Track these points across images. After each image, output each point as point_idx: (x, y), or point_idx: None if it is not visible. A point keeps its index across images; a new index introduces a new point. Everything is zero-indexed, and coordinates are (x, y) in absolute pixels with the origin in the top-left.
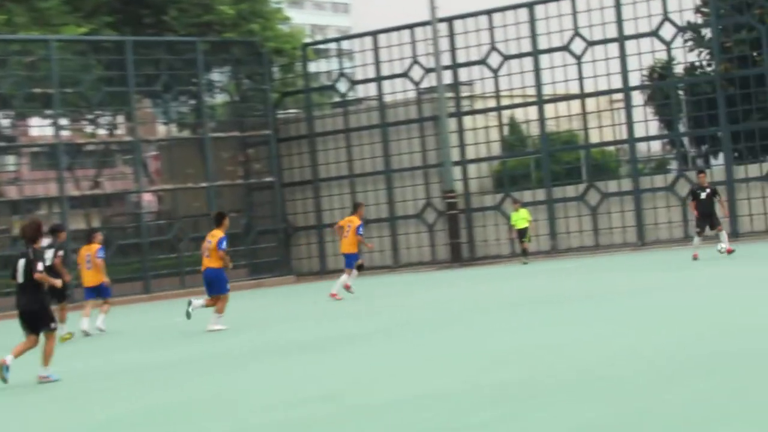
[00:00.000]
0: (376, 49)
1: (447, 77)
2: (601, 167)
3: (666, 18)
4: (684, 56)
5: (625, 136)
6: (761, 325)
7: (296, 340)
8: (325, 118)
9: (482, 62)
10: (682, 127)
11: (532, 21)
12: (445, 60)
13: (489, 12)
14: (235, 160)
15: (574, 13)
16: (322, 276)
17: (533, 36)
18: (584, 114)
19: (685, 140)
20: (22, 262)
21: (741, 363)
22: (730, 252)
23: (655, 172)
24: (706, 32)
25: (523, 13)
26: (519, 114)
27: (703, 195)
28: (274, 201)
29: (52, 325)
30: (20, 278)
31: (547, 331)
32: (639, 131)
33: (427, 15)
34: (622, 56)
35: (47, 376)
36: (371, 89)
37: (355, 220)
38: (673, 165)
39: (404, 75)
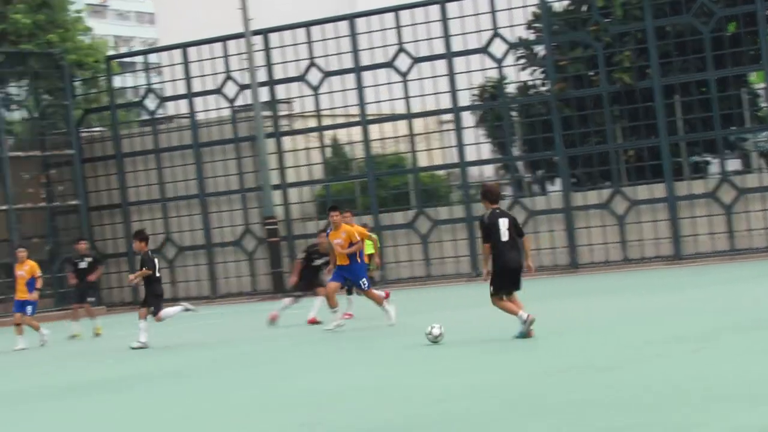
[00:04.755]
0: (186, 63)
1: (263, 94)
2: (431, 192)
3: (496, 34)
4: (516, 75)
5: (455, 159)
6: None
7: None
8: (133, 138)
9: (301, 79)
10: (516, 151)
11: (354, 35)
12: (261, 76)
13: (307, 25)
14: (36, 181)
15: (398, 27)
16: (134, 307)
17: (355, 51)
18: (412, 135)
19: (520, 165)
20: (504, 222)
21: None
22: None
23: None
24: (539, 49)
25: (343, 26)
26: (342, 135)
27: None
28: (79, 226)
29: None
30: (504, 236)
31: (341, 373)
32: (470, 154)
33: (241, 27)
34: (451, 74)
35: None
36: (182, 106)
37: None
38: (508, 191)
39: (217, 91)
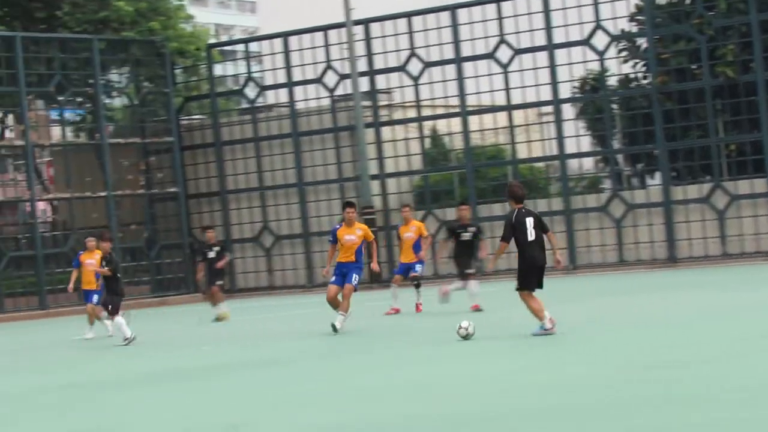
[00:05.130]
0: (286, 52)
1: (363, 84)
2: (530, 185)
3: (598, 26)
4: (618, 67)
5: (555, 151)
6: None
7: (200, 364)
8: (232, 126)
9: (402, 69)
10: (616, 144)
11: (455, 26)
12: (362, 66)
13: (408, 15)
14: (135, 168)
15: (500, 18)
16: (231, 294)
17: (456, 42)
18: (511, 127)
19: (620, 158)
20: (530, 221)
21: None
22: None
23: (587, 191)
24: (642, 42)
25: (445, 17)
26: (441, 125)
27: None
28: (178, 213)
29: None
30: (531, 236)
31: (444, 364)
32: (570, 147)
33: (342, 17)
34: (552, 66)
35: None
36: (282, 95)
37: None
38: (607, 184)
39: (317, 81)
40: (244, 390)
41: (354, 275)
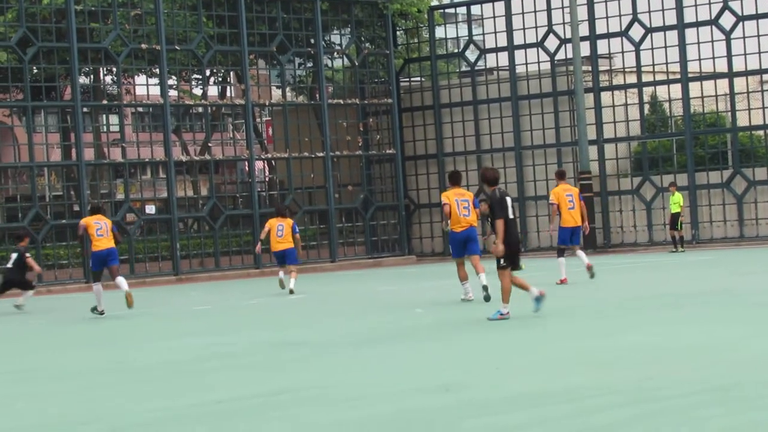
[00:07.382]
0: (508, 15)
1: (584, 49)
2: (749, 153)
3: None
4: None
5: None
6: None
7: (413, 325)
8: (451, 88)
9: (623, 34)
10: None
11: None
12: (583, 30)
13: None
14: (354, 129)
15: None
16: (444, 258)
17: (679, 8)
18: (732, 94)
19: None
20: (509, 200)
21: None
22: None
23: None
24: None
25: None
26: (661, 92)
27: None
28: (395, 175)
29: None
30: (511, 214)
31: (675, 330)
32: None
33: None
34: None
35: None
36: (502, 59)
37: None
38: None
39: (538, 45)
40: (458, 351)
41: None
